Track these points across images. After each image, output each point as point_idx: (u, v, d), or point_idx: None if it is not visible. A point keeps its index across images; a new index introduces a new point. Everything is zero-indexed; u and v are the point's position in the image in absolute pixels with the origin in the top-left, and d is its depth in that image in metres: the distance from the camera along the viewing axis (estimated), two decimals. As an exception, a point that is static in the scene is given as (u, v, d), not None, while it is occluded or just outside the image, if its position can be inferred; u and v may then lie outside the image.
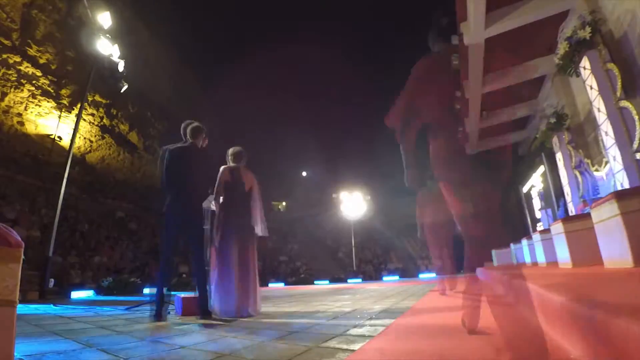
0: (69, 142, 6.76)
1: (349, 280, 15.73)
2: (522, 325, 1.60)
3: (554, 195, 6.94)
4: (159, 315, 2.63)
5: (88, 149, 20.78)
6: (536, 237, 4.80)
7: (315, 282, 15.86)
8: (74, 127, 6.67)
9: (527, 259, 5.73)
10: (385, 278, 16.64)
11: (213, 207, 3.18)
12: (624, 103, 3.67)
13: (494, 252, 9.78)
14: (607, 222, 1.98)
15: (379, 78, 34.25)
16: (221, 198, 3.08)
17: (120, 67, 6.63)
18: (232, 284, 2.83)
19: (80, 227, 11.91)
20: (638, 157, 2.37)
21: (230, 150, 3.30)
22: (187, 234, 2.90)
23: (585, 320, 0.93)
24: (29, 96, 17.55)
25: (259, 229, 3.15)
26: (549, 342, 1.23)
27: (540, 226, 8.23)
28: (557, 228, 3.54)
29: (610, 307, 0.87)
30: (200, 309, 2.73)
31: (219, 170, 3.18)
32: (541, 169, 7.97)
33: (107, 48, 6.39)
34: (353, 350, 1.38)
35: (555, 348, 1.14)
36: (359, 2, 33.46)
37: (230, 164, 3.25)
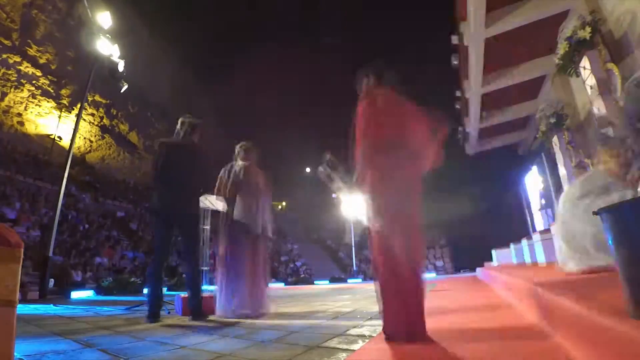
0: (69, 142, 6.76)
1: (349, 280, 15.72)
2: (522, 326, 1.60)
3: (554, 195, 6.94)
4: (153, 316, 2.57)
5: (88, 149, 20.79)
6: (536, 237, 4.79)
7: (315, 282, 15.85)
8: (74, 127, 6.66)
9: (527, 259, 5.73)
10: (385, 278, 16.61)
11: (214, 207, 3.16)
12: (624, 103, 3.65)
13: (493, 251, 9.78)
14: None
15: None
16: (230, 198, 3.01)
17: (120, 67, 6.61)
18: (243, 284, 2.80)
19: (81, 227, 11.90)
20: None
21: (241, 145, 3.14)
22: (180, 233, 2.81)
23: (584, 320, 0.93)
24: (29, 96, 17.56)
25: (268, 229, 3.08)
26: (549, 343, 1.23)
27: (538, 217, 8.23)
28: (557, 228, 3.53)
29: (609, 308, 0.87)
30: (192, 310, 2.66)
31: (214, 168, 3.11)
32: (541, 168, 7.96)
33: (107, 48, 6.38)
34: (353, 350, 1.38)
35: (555, 349, 1.14)
36: (362, 4, 33.47)
37: (239, 160, 3.11)
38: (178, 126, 2.98)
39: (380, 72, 1.83)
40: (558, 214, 2.04)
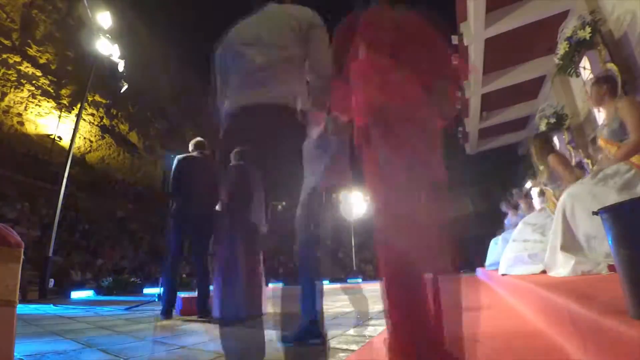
0: (69, 142, 6.76)
1: (349, 280, 15.72)
2: (523, 326, 1.60)
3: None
4: (167, 313, 2.78)
5: (88, 149, 20.78)
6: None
7: (315, 282, 15.85)
8: (74, 127, 6.66)
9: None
10: (385, 278, 16.61)
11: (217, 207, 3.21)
12: (624, 103, 3.65)
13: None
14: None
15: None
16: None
17: (120, 67, 6.62)
18: (239, 284, 2.82)
19: (81, 227, 11.90)
20: None
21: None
22: (195, 238, 3.04)
23: (585, 321, 0.93)
24: (29, 96, 17.56)
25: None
26: (549, 343, 1.23)
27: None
28: (557, 228, 3.53)
29: (609, 308, 0.87)
30: (199, 308, 2.80)
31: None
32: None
33: (107, 48, 6.38)
34: (353, 350, 1.38)
35: (555, 349, 1.14)
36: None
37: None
38: (190, 147, 3.32)
39: None
40: (559, 212, 2.03)
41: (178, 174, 3.07)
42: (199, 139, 3.36)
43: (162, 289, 2.97)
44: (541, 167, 3.14)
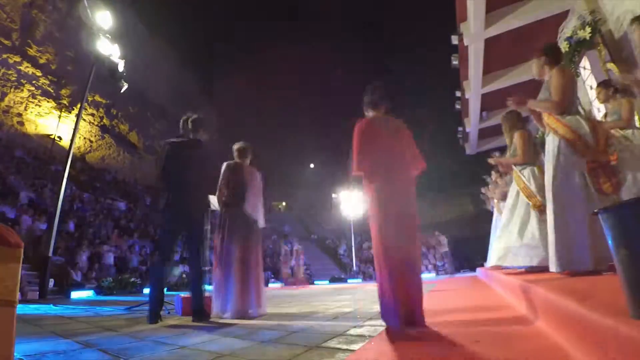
0: (69, 142, 6.76)
1: (349, 280, 15.71)
2: (523, 326, 1.60)
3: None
4: (154, 317, 2.54)
5: (88, 149, 20.79)
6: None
7: (315, 282, 15.84)
8: (74, 127, 6.66)
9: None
10: (385, 278, 16.63)
11: (214, 207, 3.16)
12: (624, 103, 3.66)
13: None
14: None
15: (379, 79, 34.25)
16: (224, 195, 3.04)
17: (120, 67, 6.61)
18: (233, 284, 2.79)
19: (81, 226, 11.90)
20: None
21: (235, 146, 3.23)
22: (186, 233, 2.80)
23: (585, 321, 0.93)
24: (29, 96, 17.56)
25: (261, 222, 3.12)
26: (549, 343, 1.23)
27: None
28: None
29: (609, 308, 0.87)
30: (194, 310, 2.64)
31: (220, 167, 3.14)
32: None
33: (107, 48, 6.38)
34: (353, 350, 1.38)
35: (555, 349, 1.14)
36: (362, 4, 33.50)
37: (236, 159, 3.20)
38: (181, 125, 2.98)
39: (381, 97, 2.07)
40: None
41: (167, 162, 2.76)
42: (192, 116, 2.99)
43: (149, 291, 2.72)
44: (508, 141, 3.23)
